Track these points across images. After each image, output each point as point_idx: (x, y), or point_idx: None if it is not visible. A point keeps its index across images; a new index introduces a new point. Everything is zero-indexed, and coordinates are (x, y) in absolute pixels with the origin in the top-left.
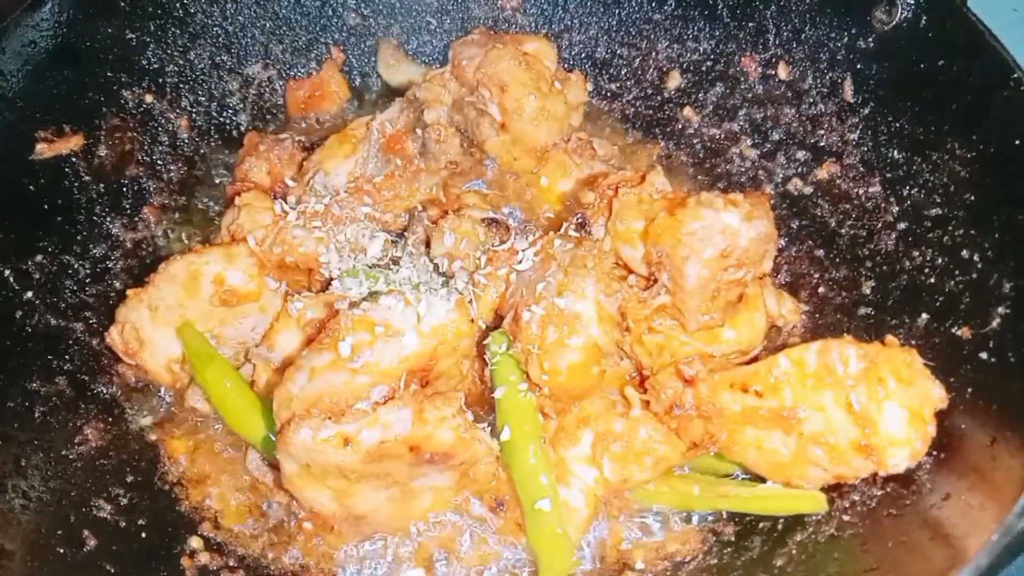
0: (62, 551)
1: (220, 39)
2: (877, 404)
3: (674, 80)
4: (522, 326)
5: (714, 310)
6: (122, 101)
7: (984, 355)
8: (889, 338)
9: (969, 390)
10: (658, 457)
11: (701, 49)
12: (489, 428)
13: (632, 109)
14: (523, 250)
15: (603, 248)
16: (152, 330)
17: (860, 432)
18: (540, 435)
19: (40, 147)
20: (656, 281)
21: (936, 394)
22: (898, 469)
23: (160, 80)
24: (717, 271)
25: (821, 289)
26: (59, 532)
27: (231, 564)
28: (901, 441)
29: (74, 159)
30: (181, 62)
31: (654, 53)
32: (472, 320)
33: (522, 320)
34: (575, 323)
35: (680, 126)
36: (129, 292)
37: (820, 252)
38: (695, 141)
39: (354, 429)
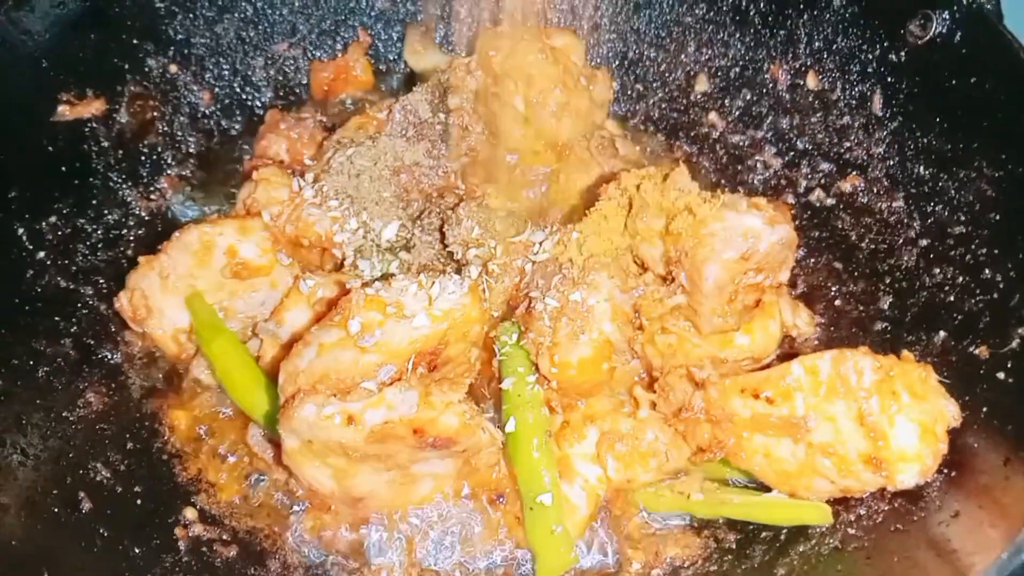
0: (57, 511)
1: (248, 14)
2: (889, 417)
3: (701, 84)
4: (535, 317)
5: (730, 314)
6: (146, 69)
7: (1001, 375)
8: (905, 353)
9: (984, 409)
10: (663, 460)
11: (730, 54)
12: (494, 419)
13: (657, 111)
14: (540, 242)
15: (621, 244)
16: (161, 298)
17: (870, 444)
18: (546, 429)
19: (61, 109)
20: (673, 280)
21: (950, 411)
22: (907, 485)
23: (186, 51)
24: (736, 274)
25: (838, 302)
26: (55, 492)
27: (224, 537)
28: (912, 456)
29: (94, 123)
30: (208, 35)
31: (683, 56)
32: (484, 307)
33: (535, 311)
34: (588, 318)
35: (705, 131)
36: (141, 259)
37: (839, 265)
38: (718, 147)
39: (359, 408)
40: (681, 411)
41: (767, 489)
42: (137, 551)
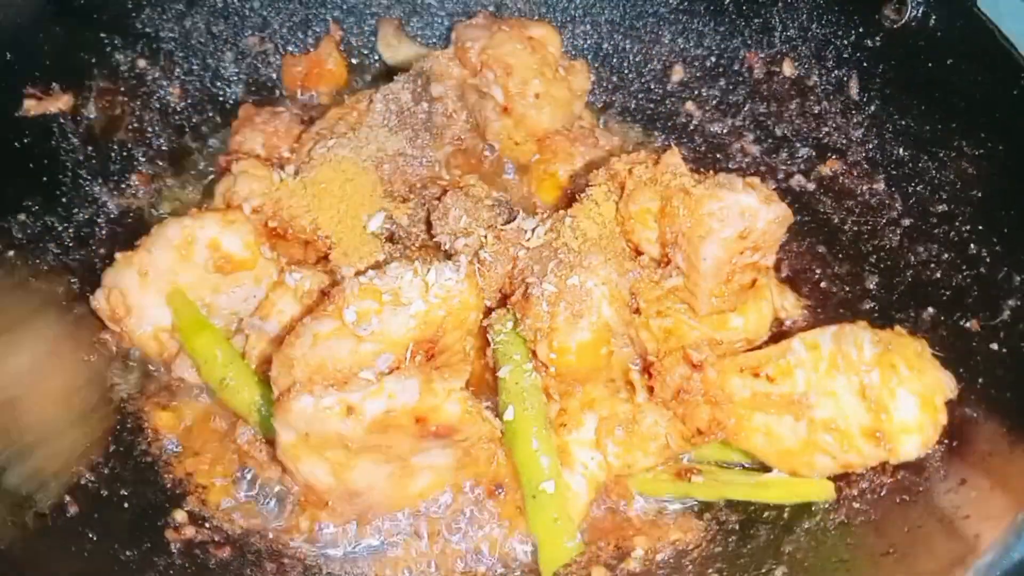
0: (44, 514)
1: (217, 7)
2: (890, 390)
3: (677, 74)
4: (532, 303)
5: (726, 294)
6: (114, 64)
7: (995, 346)
8: (898, 328)
9: (980, 380)
10: (662, 444)
11: (706, 44)
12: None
13: (634, 102)
14: (532, 229)
15: (614, 228)
16: (140, 296)
17: (873, 418)
18: (544, 416)
19: (28, 104)
20: (669, 262)
21: (947, 383)
22: (909, 456)
23: (154, 46)
24: (734, 253)
25: (823, 284)
26: (40, 496)
27: (217, 539)
28: (913, 428)
29: (62, 119)
30: (176, 29)
31: (658, 46)
32: (481, 293)
33: (532, 297)
34: (587, 301)
35: (682, 120)
36: (118, 255)
37: (822, 248)
38: (696, 136)
39: (358, 398)
40: (679, 393)
41: (767, 470)
42: (128, 554)
